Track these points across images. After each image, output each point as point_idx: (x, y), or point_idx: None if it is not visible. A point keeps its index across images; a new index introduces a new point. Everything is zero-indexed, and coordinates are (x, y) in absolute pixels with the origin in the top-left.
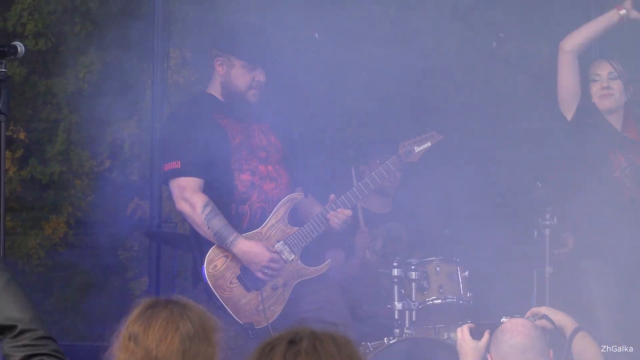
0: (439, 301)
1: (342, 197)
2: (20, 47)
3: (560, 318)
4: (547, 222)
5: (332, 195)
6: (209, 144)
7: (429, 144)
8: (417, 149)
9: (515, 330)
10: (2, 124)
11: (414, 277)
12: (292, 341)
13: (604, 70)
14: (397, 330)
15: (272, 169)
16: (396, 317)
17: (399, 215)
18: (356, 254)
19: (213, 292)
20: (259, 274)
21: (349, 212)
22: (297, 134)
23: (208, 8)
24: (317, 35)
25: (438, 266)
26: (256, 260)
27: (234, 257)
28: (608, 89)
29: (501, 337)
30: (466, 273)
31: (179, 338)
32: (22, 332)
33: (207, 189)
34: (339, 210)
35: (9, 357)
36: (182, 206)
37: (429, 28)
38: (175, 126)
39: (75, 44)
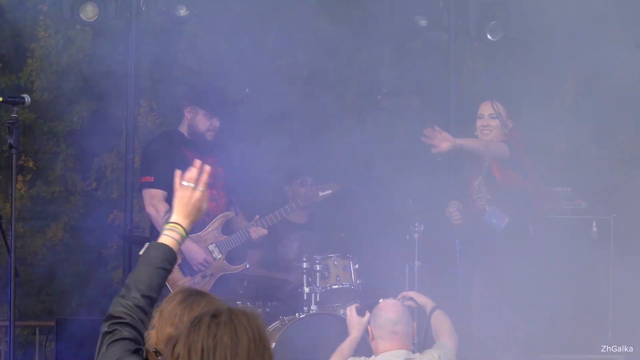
0: (337, 286)
1: (263, 218)
2: (27, 98)
3: (422, 300)
4: (416, 229)
5: (257, 216)
6: (174, 166)
7: (330, 191)
8: (320, 194)
9: (388, 308)
10: (14, 155)
11: (318, 268)
12: (214, 315)
13: (486, 111)
14: (305, 308)
15: (215, 192)
16: (305, 298)
17: (311, 225)
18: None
19: None
20: (195, 266)
21: (265, 231)
22: (239, 167)
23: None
24: (247, 90)
25: (336, 261)
26: (194, 256)
27: (180, 251)
28: (487, 127)
29: (378, 313)
30: (356, 266)
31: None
32: None
33: (169, 200)
34: (258, 227)
35: None
36: (150, 210)
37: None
38: (153, 149)
39: (70, 96)
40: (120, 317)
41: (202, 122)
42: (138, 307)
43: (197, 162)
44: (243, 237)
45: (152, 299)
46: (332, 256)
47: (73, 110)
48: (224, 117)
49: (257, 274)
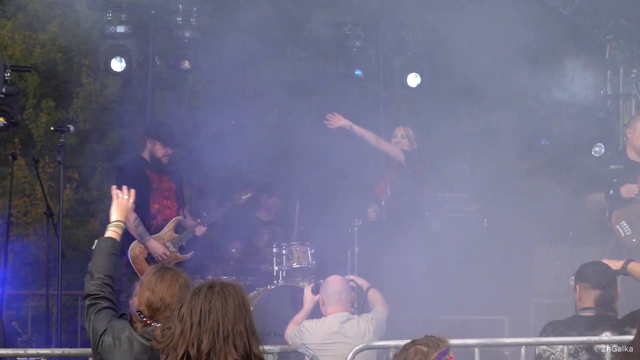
0: (298, 266)
1: (202, 219)
2: (72, 128)
3: (360, 281)
4: (356, 224)
5: (198, 220)
6: (139, 184)
7: (249, 194)
8: (243, 197)
9: (334, 282)
10: (62, 169)
11: (284, 252)
12: (210, 286)
13: (399, 132)
14: (275, 282)
15: (169, 203)
16: (274, 274)
17: (277, 221)
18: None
19: (131, 263)
20: (157, 258)
21: (205, 229)
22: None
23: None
24: (233, 122)
25: (297, 247)
26: (156, 251)
27: (146, 247)
28: (398, 143)
29: (327, 286)
30: (312, 250)
31: (177, 287)
32: None
33: (137, 210)
34: (200, 226)
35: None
36: None
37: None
38: (124, 171)
39: (105, 126)
40: (96, 294)
41: (159, 150)
42: (105, 284)
43: (124, 189)
44: (190, 235)
45: (111, 278)
46: (294, 243)
47: (106, 137)
48: (176, 147)
49: (239, 259)
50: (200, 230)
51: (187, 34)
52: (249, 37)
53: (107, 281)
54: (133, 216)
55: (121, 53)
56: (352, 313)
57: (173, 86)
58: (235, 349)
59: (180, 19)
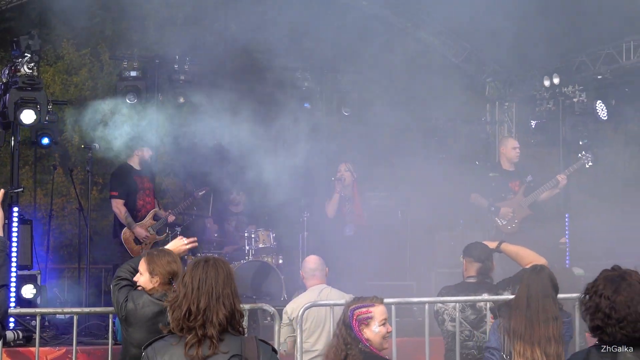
0: (263, 246)
1: (172, 210)
2: (97, 146)
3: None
4: (305, 215)
5: (170, 210)
6: (128, 186)
7: (204, 191)
8: (200, 193)
9: (310, 260)
10: (90, 176)
11: (253, 236)
12: (206, 260)
13: (342, 167)
14: (246, 257)
15: (149, 199)
16: (246, 252)
17: (246, 212)
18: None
19: (123, 243)
20: (141, 239)
21: (173, 217)
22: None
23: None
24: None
25: (262, 232)
26: (140, 234)
27: (133, 232)
28: (342, 176)
29: (304, 263)
30: (274, 234)
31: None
32: None
33: (127, 205)
34: (171, 215)
35: None
36: (116, 210)
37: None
38: (117, 174)
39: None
40: (119, 277)
41: (147, 153)
42: (130, 271)
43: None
44: (164, 222)
45: (135, 269)
46: (260, 229)
47: (124, 153)
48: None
49: (219, 240)
50: (171, 217)
51: (182, 77)
52: (226, 78)
53: (123, 276)
54: (124, 209)
55: (133, 91)
56: (327, 283)
57: (172, 115)
58: (224, 307)
59: (177, 66)
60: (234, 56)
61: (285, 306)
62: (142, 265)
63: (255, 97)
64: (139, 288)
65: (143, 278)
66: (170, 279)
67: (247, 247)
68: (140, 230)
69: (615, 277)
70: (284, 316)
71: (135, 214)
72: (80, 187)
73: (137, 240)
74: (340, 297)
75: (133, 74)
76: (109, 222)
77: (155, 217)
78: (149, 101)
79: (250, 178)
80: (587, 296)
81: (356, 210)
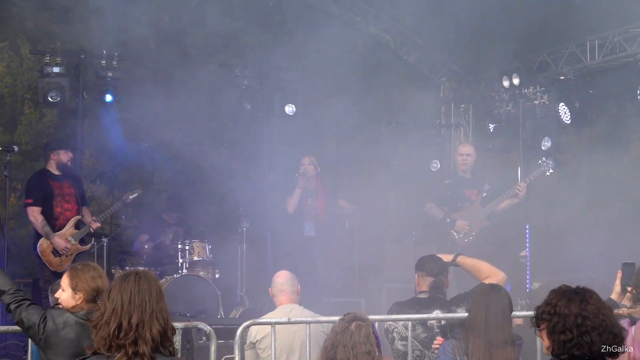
0: (198, 259)
1: (97, 217)
2: (16, 148)
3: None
4: (244, 225)
5: (94, 217)
6: (44, 192)
7: (136, 194)
8: (130, 197)
9: (280, 275)
10: (8, 181)
11: (187, 248)
12: (137, 274)
13: (305, 160)
14: (180, 271)
15: (70, 206)
16: (179, 265)
17: (180, 223)
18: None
19: (40, 256)
20: (60, 251)
21: (99, 224)
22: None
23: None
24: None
25: (197, 244)
26: (59, 245)
27: (51, 243)
28: (306, 170)
29: (273, 279)
30: (210, 246)
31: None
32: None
33: (43, 212)
34: (96, 222)
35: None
36: (32, 219)
37: None
38: (32, 182)
39: (42, 148)
40: (15, 299)
41: (64, 156)
42: (16, 290)
43: None
44: (87, 230)
45: (15, 285)
46: (195, 240)
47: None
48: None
49: (150, 253)
50: (94, 225)
51: (110, 74)
52: (158, 76)
53: (15, 288)
54: (40, 218)
55: (56, 88)
56: (299, 304)
57: (98, 115)
58: (158, 322)
59: (104, 61)
60: (167, 51)
61: (222, 324)
62: (65, 280)
63: (190, 96)
64: (60, 306)
65: (65, 294)
66: (95, 296)
67: (180, 260)
68: (58, 240)
69: (572, 292)
70: (248, 339)
71: (53, 223)
72: None
73: (56, 252)
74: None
75: (56, 70)
76: (28, 232)
77: (79, 225)
78: (73, 99)
79: (185, 183)
80: (548, 315)
81: (319, 205)
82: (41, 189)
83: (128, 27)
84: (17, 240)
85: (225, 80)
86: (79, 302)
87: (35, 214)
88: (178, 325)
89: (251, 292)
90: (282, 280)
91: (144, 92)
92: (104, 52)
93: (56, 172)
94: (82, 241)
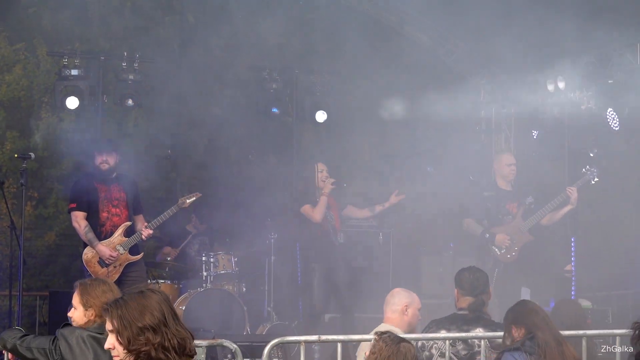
0: (223, 272)
1: (150, 224)
2: (32, 155)
3: None
4: (272, 237)
5: (145, 223)
6: (89, 196)
7: (194, 198)
8: (187, 201)
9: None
10: (24, 189)
11: (212, 260)
12: (141, 291)
13: (320, 166)
14: (204, 285)
15: (118, 210)
16: (203, 279)
17: (207, 233)
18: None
19: (85, 267)
20: (106, 260)
21: (151, 231)
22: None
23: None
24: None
25: (223, 256)
26: (104, 254)
27: (97, 252)
28: (324, 177)
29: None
30: (236, 259)
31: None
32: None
33: (88, 218)
34: (147, 230)
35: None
36: (75, 225)
37: None
38: (76, 186)
39: (60, 154)
40: (17, 336)
41: (97, 159)
42: (21, 336)
43: None
44: (137, 238)
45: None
46: (220, 252)
47: (62, 162)
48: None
49: (173, 265)
50: (146, 232)
51: (131, 77)
52: (182, 79)
53: (20, 334)
54: (84, 223)
55: (75, 92)
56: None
57: (119, 120)
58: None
59: (125, 64)
60: (191, 53)
61: (249, 342)
62: (75, 298)
63: (215, 100)
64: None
65: (77, 313)
66: None
67: (204, 274)
68: (102, 249)
69: None
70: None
71: (98, 230)
72: (12, 203)
73: (102, 262)
74: None
75: (74, 72)
76: (44, 243)
77: (130, 231)
78: (92, 104)
79: (209, 192)
80: None
81: (335, 218)
82: (85, 193)
83: (150, 27)
84: (33, 251)
85: (253, 83)
86: (91, 317)
87: (78, 219)
88: (202, 342)
89: (279, 307)
90: (386, 298)
91: (166, 97)
92: (125, 53)
93: (104, 174)
94: (132, 250)
